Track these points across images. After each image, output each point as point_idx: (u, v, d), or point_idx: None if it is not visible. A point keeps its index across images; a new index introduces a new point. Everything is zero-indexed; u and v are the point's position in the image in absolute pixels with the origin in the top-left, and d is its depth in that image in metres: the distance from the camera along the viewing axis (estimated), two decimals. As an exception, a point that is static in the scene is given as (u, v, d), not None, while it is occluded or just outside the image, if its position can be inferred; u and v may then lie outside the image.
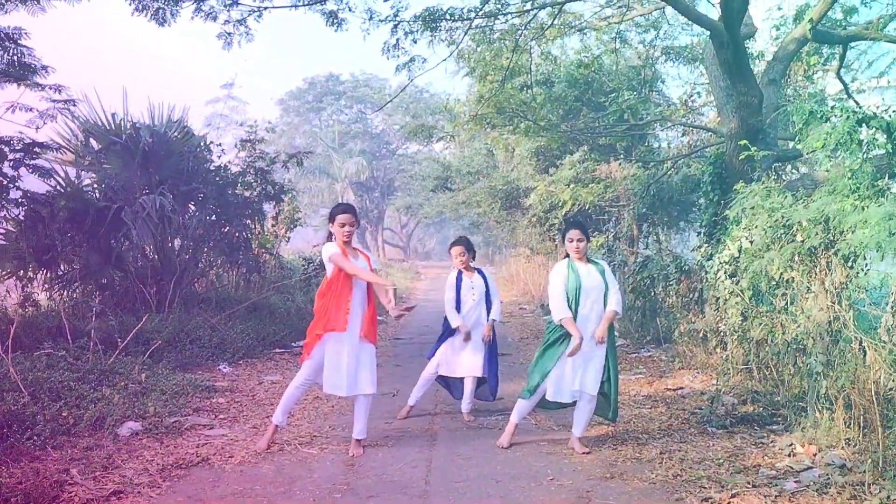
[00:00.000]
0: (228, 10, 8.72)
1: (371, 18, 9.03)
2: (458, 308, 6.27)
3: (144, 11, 8.27)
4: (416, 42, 9.39)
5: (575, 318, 5.17)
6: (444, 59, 10.53)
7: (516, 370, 8.67)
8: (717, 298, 7.38)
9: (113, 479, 4.57)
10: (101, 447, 5.16)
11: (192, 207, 11.12)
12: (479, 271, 6.45)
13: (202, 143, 11.53)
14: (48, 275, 9.43)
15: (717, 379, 6.99)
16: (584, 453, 5.20)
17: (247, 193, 12.10)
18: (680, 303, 9.58)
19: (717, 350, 7.75)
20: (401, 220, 51.20)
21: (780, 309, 5.83)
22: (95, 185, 10.22)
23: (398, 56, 9.44)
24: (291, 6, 8.87)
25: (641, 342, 10.22)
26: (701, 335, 8.32)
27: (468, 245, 6.42)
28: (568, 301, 5.18)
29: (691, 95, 14.18)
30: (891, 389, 4.57)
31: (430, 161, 28.04)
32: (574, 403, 5.38)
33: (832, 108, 5.32)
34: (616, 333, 5.30)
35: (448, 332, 6.33)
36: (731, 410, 6.02)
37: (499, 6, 9.45)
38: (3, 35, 8.49)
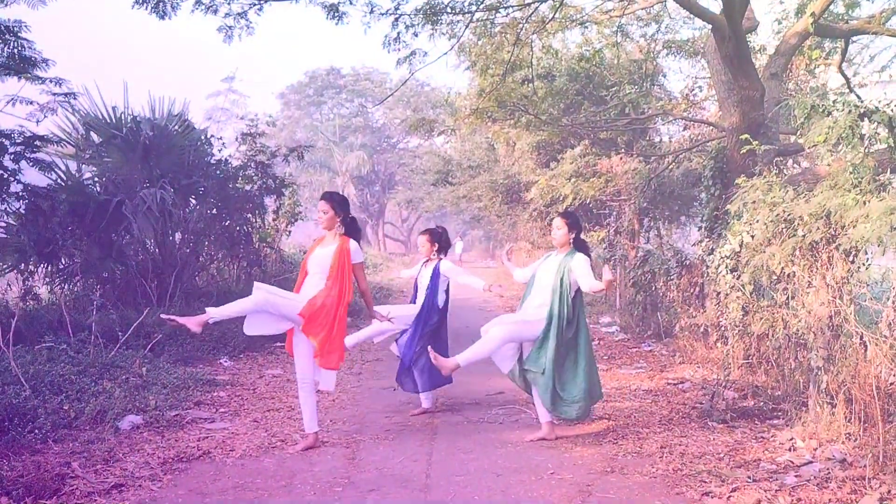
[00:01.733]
0: (229, 4, 8.69)
1: (372, 12, 8.99)
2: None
3: (145, 4, 8.23)
4: (416, 35, 9.36)
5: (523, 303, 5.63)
6: (445, 53, 10.50)
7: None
8: (718, 293, 7.37)
9: (114, 472, 4.59)
10: (102, 440, 5.17)
11: (193, 201, 11.12)
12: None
13: (203, 137, 11.54)
14: (49, 268, 9.44)
15: (718, 373, 6.99)
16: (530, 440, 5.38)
17: (247, 187, 12.11)
18: (681, 297, 9.58)
19: (718, 344, 7.75)
20: (401, 214, 51.22)
21: (781, 303, 5.83)
22: (96, 179, 10.24)
23: (399, 49, 9.41)
24: (292, -1, 8.83)
25: (642, 336, 10.23)
26: (702, 330, 8.32)
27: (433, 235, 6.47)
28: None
29: (693, 89, 14.15)
30: (892, 384, 4.57)
31: (430, 155, 28.04)
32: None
33: (834, 102, 5.30)
34: (562, 322, 5.35)
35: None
36: (731, 405, 6.02)
37: (500, -1, 9.42)
38: (3, 28, 8.47)
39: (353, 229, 5.39)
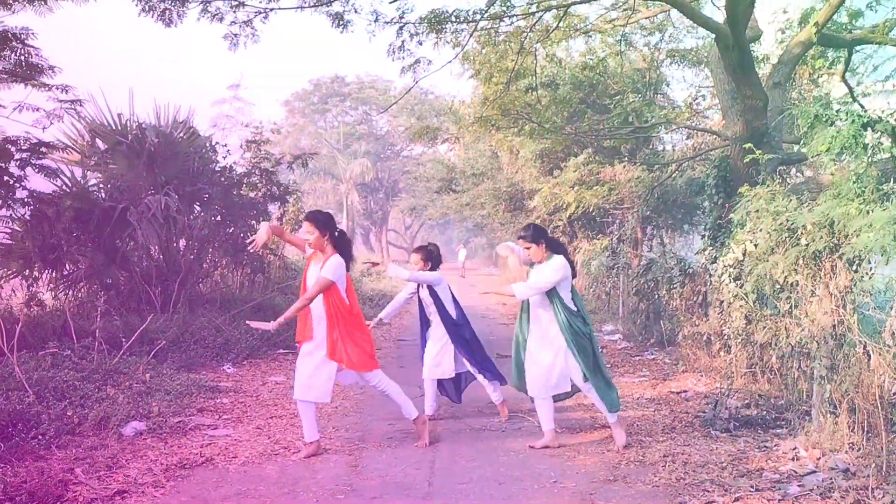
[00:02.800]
0: (235, 12, 8.73)
1: (377, 20, 9.04)
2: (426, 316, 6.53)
3: (151, 12, 8.28)
4: (421, 44, 9.40)
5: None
6: (450, 61, 10.52)
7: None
8: (721, 302, 7.37)
9: (117, 478, 4.60)
10: (105, 447, 5.18)
11: (198, 208, 11.16)
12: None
13: (208, 144, 11.58)
14: (53, 274, 9.46)
15: (721, 382, 6.98)
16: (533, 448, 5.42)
17: (252, 194, 12.15)
18: (684, 306, 9.57)
19: (721, 353, 7.74)
20: (405, 222, 51.29)
21: (784, 312, 5.82)
22: (101, 185, 10.27)
23: (403, 58, 9.46)
24: (297, 7, 8.88)
25: (645, 345, 10.21)
26: (705, 338, 8.31)
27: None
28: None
29: (696, 98, 14.18)
30: (895, 393, 4.56)
31: (434, 163, 28.09)
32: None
33: (837, 111, 5.31)
34: (577, 329, 5.36)
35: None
36: (734, 414, 6.01)
37: (504, 8, 9.45)
38: (10, 35, 8.52)
39: (342, 244, 5.39)
